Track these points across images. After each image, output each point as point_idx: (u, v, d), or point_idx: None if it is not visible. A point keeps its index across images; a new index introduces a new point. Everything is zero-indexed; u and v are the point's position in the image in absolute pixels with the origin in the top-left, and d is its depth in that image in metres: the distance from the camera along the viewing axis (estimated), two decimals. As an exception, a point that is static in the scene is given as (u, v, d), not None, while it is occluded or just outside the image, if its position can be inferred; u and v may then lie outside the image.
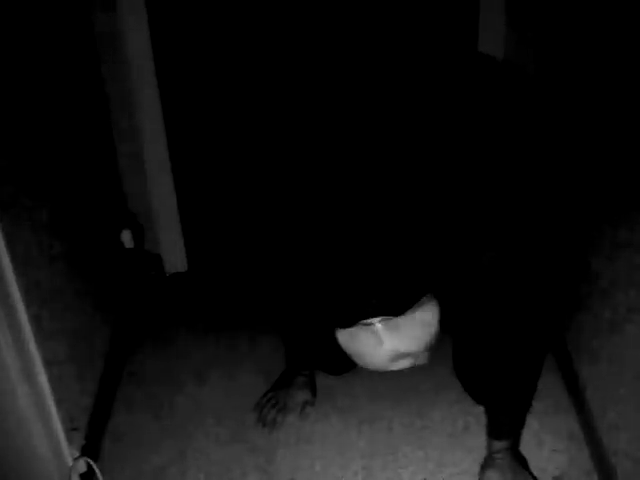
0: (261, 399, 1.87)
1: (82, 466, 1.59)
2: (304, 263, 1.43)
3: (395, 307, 1.20)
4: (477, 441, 1.72)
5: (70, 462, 1.55)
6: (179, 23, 2.13)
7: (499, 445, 1.60)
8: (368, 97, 2.13)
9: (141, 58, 2.11)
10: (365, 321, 1.21)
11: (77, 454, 1.57)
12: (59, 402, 1.49)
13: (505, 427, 1.61)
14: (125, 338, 2.10)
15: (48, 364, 1.45)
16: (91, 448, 1.67)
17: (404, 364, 1.25)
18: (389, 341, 1.20)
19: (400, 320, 1.21)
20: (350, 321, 1.22)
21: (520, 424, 1.68)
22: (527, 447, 1.71)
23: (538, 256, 2.00)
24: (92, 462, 1.59)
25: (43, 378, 1.43)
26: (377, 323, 1.20)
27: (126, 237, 2.22)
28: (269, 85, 2.20)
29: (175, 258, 2.46)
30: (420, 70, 2.11)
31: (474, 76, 2.03)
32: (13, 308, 1.32)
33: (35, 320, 1.40)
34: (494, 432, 1.61)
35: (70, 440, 1.55)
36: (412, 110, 1.89)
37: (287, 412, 1.83)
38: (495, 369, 1.53)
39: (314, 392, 1.88)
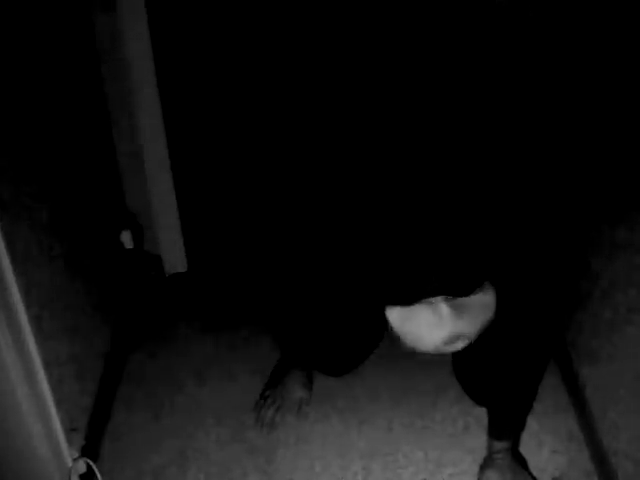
0: (259, 399, 1.87)
1: (82, 466, 1.59)
2: (357, 235, 1.39)
3: (459, 287, 1.16)
4: (477, 441, 1.72)
5: (70, 463, 1.55)
6: (179, 23, 2.13)
7: (499, 445, 1.60)
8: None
9: (141, 58, 2.11)
10: (428, 300, 1.15)
11: (77, 454, 1.57)
12: (59, 402, 1.49)
13: (506, 428, 1.61)
14: (125, 338, 2.10)
15: (48, 364, 1.45)
16: (91, 448, 1.67)
17: (458, 346, 1.20)
18: (451, 322, 1.15)
19: (465, 301, 1.16)
20: (410, 299, 1.17)
21: (521, 425, 1.68)
22: (527, 448, 1.72)
23: (540, 259, 2.00)
24: (92, 462, 1.59)
25: (43, 378, 1.43)
26: (442, 302, 1.14)
27: (126, 237, 2.21)
28: (269, 84, 2.20)
29: (175, 258, 2.46)
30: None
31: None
32: (13, 308, 1.31)
33: (35, 320, 1.40)
34: (495, 432, 1.61)
35: (70, 440, 1.55)
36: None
37: (284, 411, 1.82)
38: (496, 373, 1.52)
39: (311, 384, 1.86)
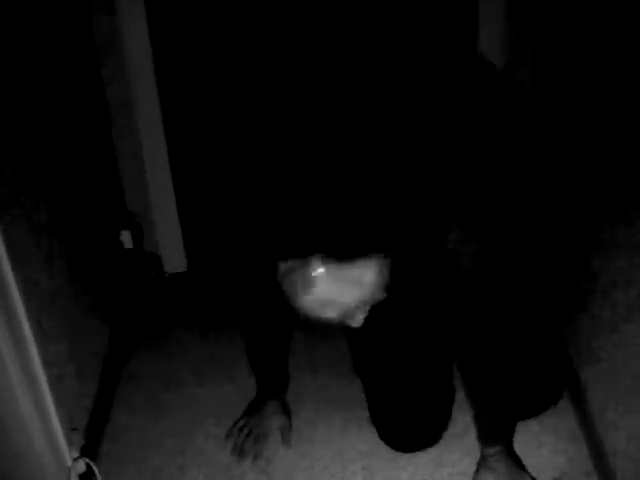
0: (232, 428, 1.79)
1: (81, 466, 1.59)
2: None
3: (339, 250, 1.12)
4: (476, 442, 1.72)
5: (69, 462, 1.55)
6: (178, 23, 2.13)
7: (492, 450, 1.57)
8: (365, 96, 2.13)
9: (140, 57, 2.11)
10: (306, 257, 1.12)
11: (76, 454, 1.57)
12: (58, 402, 1.49)
13: (494, 434, 1.57)
14: (124, 338, 2.10)
15: (48, 364, 1.45)
16: (90, 448, 1.67)
17: (329, 313, 1.17)
18: (323, 284, 1.12)
19: (343, 268, 1.12)
20: (289, 253, 1.14)
21: (511, 429, 1.63)
22: (527, 448, 1.71)
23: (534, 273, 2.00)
24: (91, 462, 1.59)
25: (43, 378, 1.43)
26: (316, 261, 1.11)
27: (125, 237, 2.22)
28: (267, 85, 2.20)
29: (174, 258, 2.46)
30: (417, 69, 2.11)
31: (470, 78, 2.03)
32: (13, 308, 1.32)
33: (35, 320, 1.40)
34: (483, 439, 1.58)
35: (69, 440, 1.55)
36: (407, 107, 1.88)
37: (264, 439, 1.75)
38: (481, 382, 1.52)
39: (289, 413, 1.80)
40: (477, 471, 1.62)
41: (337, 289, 1.14)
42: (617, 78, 1.59)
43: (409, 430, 1.71)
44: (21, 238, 1.39)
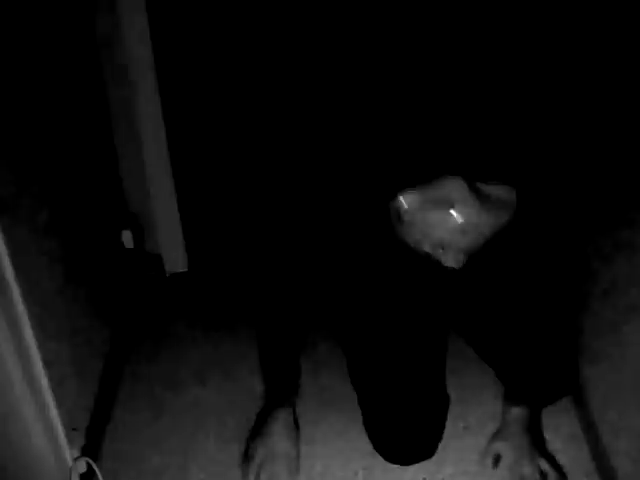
0: (245, 453, 1.70)
1: (82, 466, 1.59)
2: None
3: (479, 169, 1.11)
4: (477, 442, 1.72)
5: (70, 462, 1.55)
6: (180, 23, 2.14)
7: (514, 412, 1.49)
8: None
9: (141, 59, 2.11)
10: (448, 178, 1.09)
11: (77, 454, 1.58)
12: (59, 402, 1.49)
13: (520, 388, 1.49)
14: (125, 338, 2.10)
15: (48, 364, 1.45)
16: (91, 448, 1.67)
17: (466, 241, 1.13)
18: (469, 202, 1.07)
19: (483, 189, 1.09)
20: (430, 175, 1.10)
21: (541, 388, 1.52)
22: (527, 447, 1.71)
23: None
24: (92, 462, 1.59)
25: (43, 378, 1.43)
26: (462, 180, 1.07)
27: (126, 237, 2.22)
28: (268, 85, 2.20)
29: (175, 258, 2.46)
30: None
31: None
32: (13, 309, 1.32)
33: (35, 321, 1.40)
34: (508, 394, 1.50)
35: (70, 440, 1.55)
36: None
37: (271, 464, 1.63)
38: (508, 326, 1.47)
39: (297, 430, 1.72)
40: (492, 440, 1.60)
41: (483, 210, 1.10)
42: (617, 77, 1.59)
43: (403, 443, 1.69)
44: (22, 238, 1.39)
